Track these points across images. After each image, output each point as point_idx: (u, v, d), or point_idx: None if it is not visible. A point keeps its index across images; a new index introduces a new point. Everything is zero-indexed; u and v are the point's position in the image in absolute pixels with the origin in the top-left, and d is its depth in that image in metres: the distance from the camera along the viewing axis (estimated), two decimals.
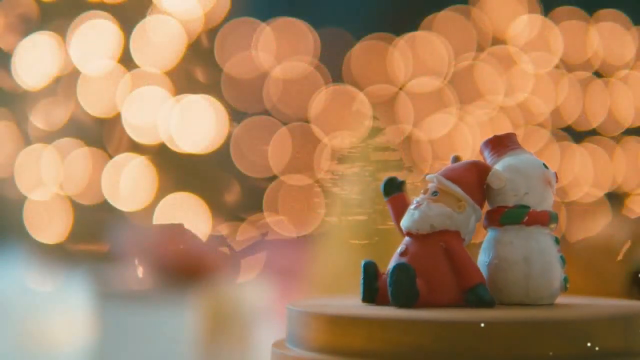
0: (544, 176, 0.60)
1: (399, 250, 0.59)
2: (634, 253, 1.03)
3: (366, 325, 0.52)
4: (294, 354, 0.55)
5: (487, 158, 0.62)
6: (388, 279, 0.57)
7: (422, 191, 0.59)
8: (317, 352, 0.54)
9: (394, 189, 0.62)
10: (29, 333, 1.50)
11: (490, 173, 0.59)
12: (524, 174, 0.59)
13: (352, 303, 0.61)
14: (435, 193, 0.58)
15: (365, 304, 0.59)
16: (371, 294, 0.59)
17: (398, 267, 0.56)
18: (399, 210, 0.61)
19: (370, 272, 0.59)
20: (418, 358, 0.50)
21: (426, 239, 0.58)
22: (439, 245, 0.57)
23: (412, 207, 0.59)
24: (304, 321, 0.56)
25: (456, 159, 0.63)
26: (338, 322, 0.54)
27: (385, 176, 0.62)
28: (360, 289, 0.60)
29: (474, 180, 0.59)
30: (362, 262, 0.60)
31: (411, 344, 0.51)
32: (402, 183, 0.62)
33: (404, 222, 0.59)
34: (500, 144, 0.61)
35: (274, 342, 0.59)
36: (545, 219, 0.59)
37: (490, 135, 0.62)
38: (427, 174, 0.61)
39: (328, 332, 0.54)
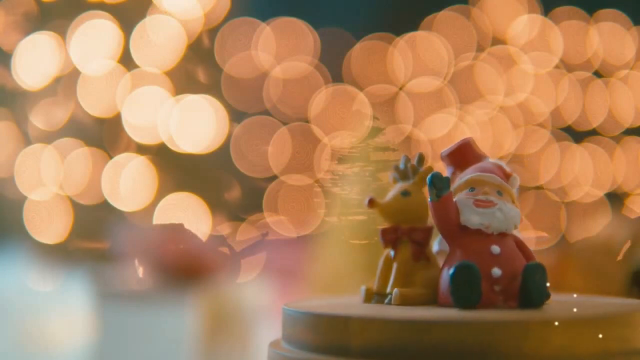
0: None
1: (491, 250, 0.56)
2: (634, 253, 1.03)
3: (360, 324, 0.52)
4: (290, 353, 0.55)
5: (456, 168, 0.62)
6: (525, 280, 0.55)
7: (474, 189, 0.58)
8: (314, 352, 0.54)
9: (445, 187, 0.57)
10: (29, 333, 1.50)
11: (513, 176, 0.60)
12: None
13: (348, 302, 0.61)
14: (500, 193, 0.58)
15: (463, 309, 0.55)
16: (478, 298, 0.55)
17: (536, 268, 0.56)
18: (450, 209, 0.57)
19: (477, 275, 0.55)
20: (416, 357, 0.50)
21: (505, 239, 0.57)
22: (514, 244, 0.57)
23: (473, 204, 0.57)
24: (298, 321, 0.56)
25: (421, 157, 0.62)
26: (333, 321, 0.54)
27: (434, 172, 0.58)
28: (460, 293, 0.55)
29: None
30: (464, 264, 0.56)
31: (408, 343, 0.51)
32: (448, 179, 0.58)
33: (486, 221, 0.56)
34: (475, 151, 0.62)
35: (271, 342, 0.59)
36: None
37: (477, 140, 0.63)
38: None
39: (324, 332, 0.54)
